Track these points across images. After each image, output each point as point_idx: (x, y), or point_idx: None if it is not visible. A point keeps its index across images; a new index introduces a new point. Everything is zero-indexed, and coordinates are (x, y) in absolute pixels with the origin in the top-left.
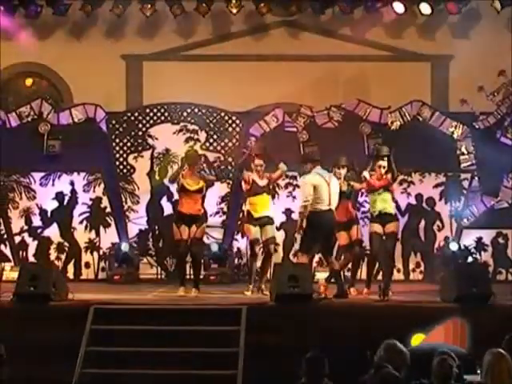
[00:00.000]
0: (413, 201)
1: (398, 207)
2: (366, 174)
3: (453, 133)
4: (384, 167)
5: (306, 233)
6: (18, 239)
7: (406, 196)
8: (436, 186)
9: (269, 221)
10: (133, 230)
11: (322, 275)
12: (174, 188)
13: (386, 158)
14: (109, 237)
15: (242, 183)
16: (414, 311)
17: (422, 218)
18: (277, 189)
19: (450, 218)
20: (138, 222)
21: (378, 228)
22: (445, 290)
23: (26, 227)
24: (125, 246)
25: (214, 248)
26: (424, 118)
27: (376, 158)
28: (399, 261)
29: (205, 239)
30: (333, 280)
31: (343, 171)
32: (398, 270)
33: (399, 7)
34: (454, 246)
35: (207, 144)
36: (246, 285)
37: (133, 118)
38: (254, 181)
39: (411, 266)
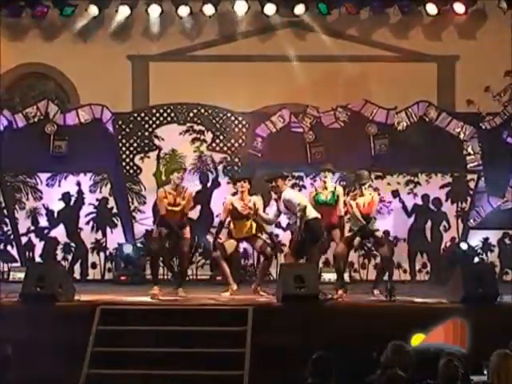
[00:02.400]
0: (419, 201)
1: (404, 208)
2: (347, 199)
3: (459, 133)
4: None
5: (305, 238)
6: (24, 240)
7: (413, 196)
8: (442, 186)
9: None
10: (139, 230)
11: (328, 276)
12: None
13: (366, 186)
14: (115, 237)
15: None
16: (421, 312)
17: (429, 219)
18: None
19: (457, 218)
20: (144, 222)
21: (351, 237)
22: (451, 291)
23: (32, 228)
24: (127, 248)
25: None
26: (430, 118)
27: (358, 185)
28: (405, 261)
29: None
30: None
31: (329, 175)
32: (405, 271)
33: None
34: (464, 246)
35: (213, 144)
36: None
37: (139, 118)
38: (234, 206)
39: (417, 266)
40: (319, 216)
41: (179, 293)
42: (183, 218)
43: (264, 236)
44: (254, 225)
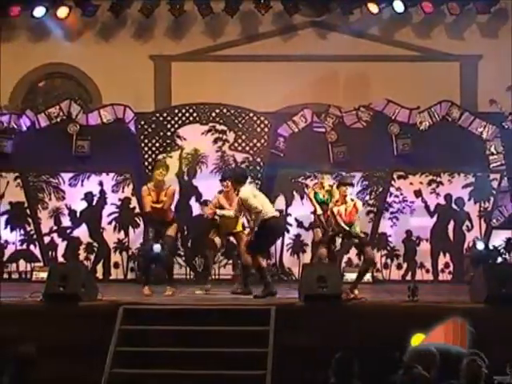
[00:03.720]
0: (442, 201)
1: (427, 207)
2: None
3: (482, 133)
4: (349, 195)
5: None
6: (47, 239)
7: (435, 196)
8: (465, 186)
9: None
10: None
11: (350, 275)
12: (202, 188)
13: (349, 187)
14: (138, 237)
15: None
16: (444, 312)
17: (451, 219)
18: (305, 189)
19: (480, 218)
20: None
21: (330, 237)
22: (474, 291)
23: (55, 227)
24: (157, 248)
25: None
26: (453, 118)
27: (342, 185)
28: (428, 261)
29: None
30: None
31: (326, 176)
32: (427, 271)
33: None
34: (480, 245)
35: (235, 144)
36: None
37: (161, 118)
38: (220, 204)
39: (440, 266)
40: (277, 214)
41: (166, 291)
42: (167, 214)
43: (247, 232)
44: (240, 222)
